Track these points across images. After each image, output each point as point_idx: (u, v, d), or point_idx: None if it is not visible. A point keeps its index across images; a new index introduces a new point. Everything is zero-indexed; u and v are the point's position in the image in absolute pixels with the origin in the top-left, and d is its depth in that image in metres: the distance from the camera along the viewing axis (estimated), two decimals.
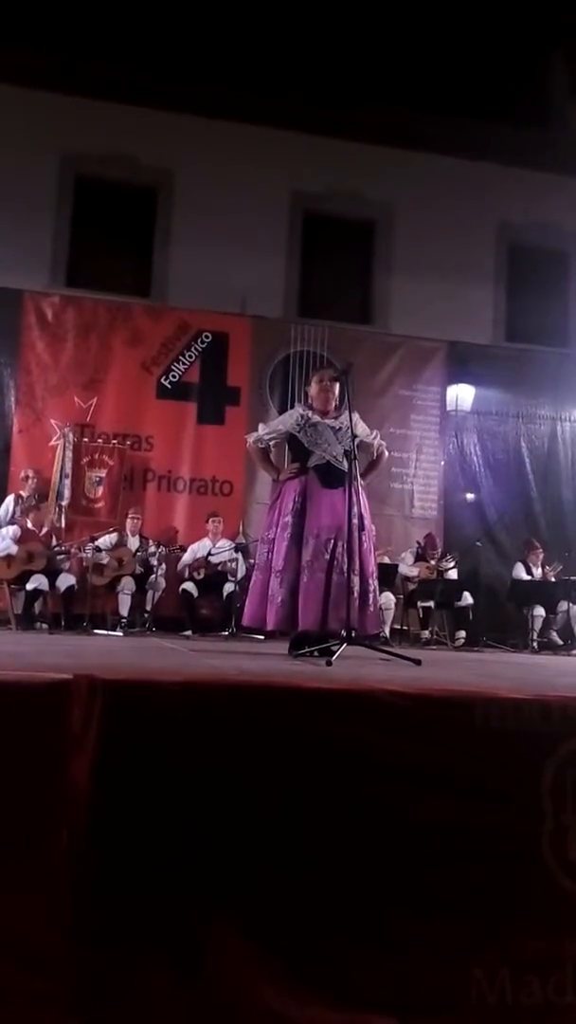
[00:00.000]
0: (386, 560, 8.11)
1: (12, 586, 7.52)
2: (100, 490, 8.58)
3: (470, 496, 9.76)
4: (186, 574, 8.14)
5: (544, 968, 1.75)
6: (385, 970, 1.69)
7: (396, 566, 8.34)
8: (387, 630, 7.80)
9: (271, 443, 4.47)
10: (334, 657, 3.38)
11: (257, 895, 1.67)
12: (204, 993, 1.60)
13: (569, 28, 10.88)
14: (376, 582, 4.26)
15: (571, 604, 8.70)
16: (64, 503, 8.38)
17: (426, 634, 8.13)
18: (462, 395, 9.77)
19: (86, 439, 8.61)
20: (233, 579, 7.79)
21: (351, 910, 1.71)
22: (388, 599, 8.04)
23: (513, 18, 10.71)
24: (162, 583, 8.02)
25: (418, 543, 8.75)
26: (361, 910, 1.72)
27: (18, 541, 7.53)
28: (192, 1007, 1.59)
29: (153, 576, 7.89)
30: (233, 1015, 1.60)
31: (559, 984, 1.75)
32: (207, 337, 9.12)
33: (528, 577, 8.78)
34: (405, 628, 8.39)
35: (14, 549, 7.47)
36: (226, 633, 7.36)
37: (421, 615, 8.34)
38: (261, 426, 4.61)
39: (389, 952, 1.70)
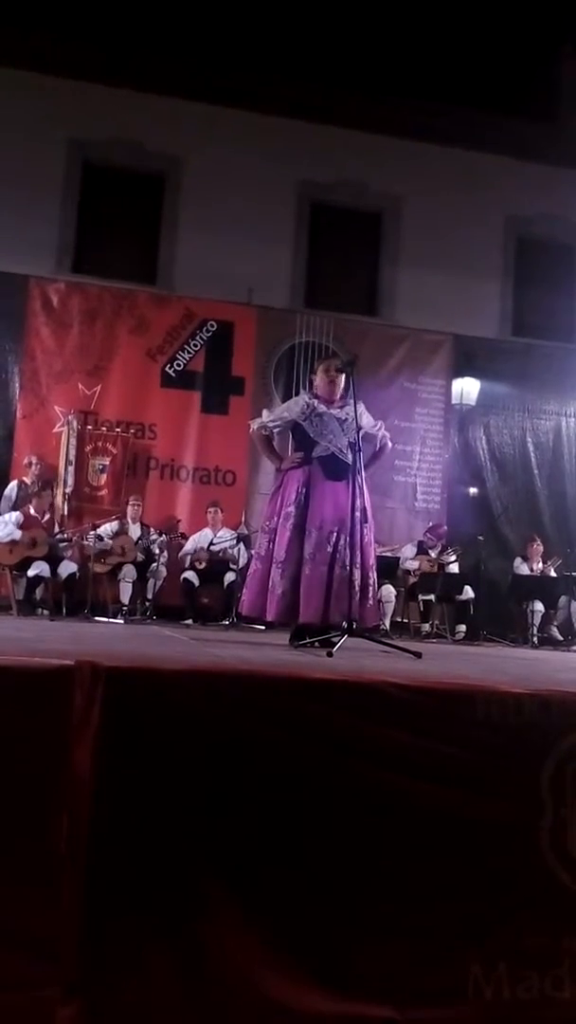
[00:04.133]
0: (387, 554, 8.11)
1: (14, 572, 7.52)
2: (103, 478, 8.58)
3: (473, 490, 9.75)
4: (187, 563, 8.15)
5: (542, 963, 1.75)
6: (383, 961, 1.69)
7: (397, 559, 8.33)
8: (387, 623, 7.80)
9: (275, 430, 4.44)
10: (335, 648, 3.38)
11: (257, 884, 1.67)
12: (203, 980, 1.60)
13: None
14: (375, 574, 4.26)
15: (572, 600, 8.70)
16: (68, 490, 8.38)
17: (426, 627, 8.14)
18: (467, 389, 9.74)
19: (90, 426, 8.60)
20: (234, 568, 7.79)
21: (350, 900, 1.72)
22: (389, 592, 8.04)
23: (523, 9, 10.64)
24: (163, 571, 8.03)
25: (426, 533, 8.74)
26: (360, 900, 1.72)
27: (20, 527, 7.53)
28: (191, 993, 1.59)
29: (154, 564, 7.90)
30: (231, 1002, 1.60)
31: (556, 979, 1.75)
32: (212, 326, 9.10)
33: (528, 572, 8.78)
34: (405, 621, 8.39)
35: (17, 535, 7.47)
36: (227, 623, 7.38)
37: (422, 608, 8.34)
38: (265, 412, 4.58)
39: (388, 943, 1.71)
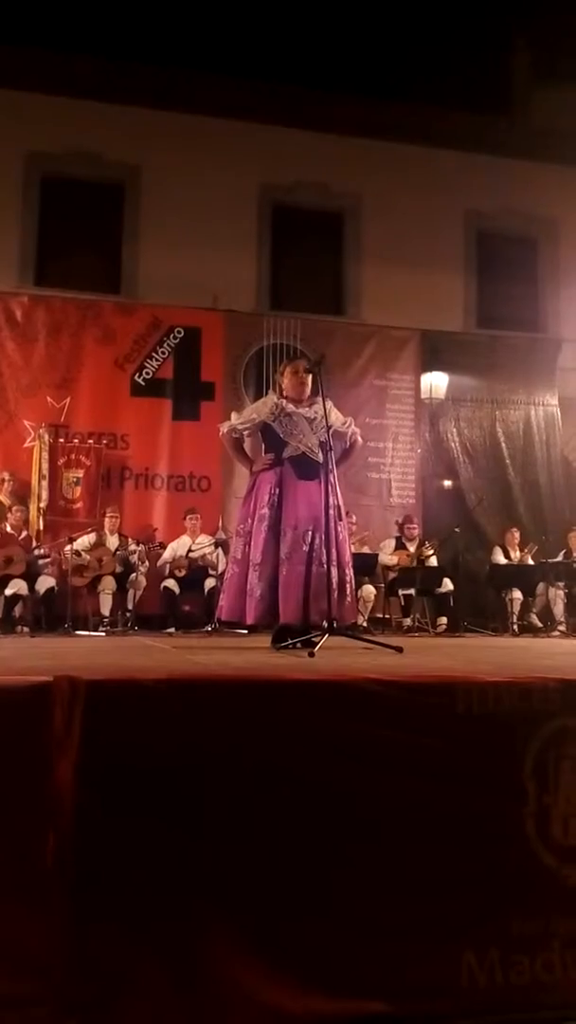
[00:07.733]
0: (365, 549, 8.15)
1: None
2: (78, 490, 8.53)
3: (447, 483, 9.81)
4: (167, 571, 8.12)
5: (533, 947, 1.77)
6: (377, 957, 1.70)
7: (376, 555, 8.37)
8: (364, 617, 7.82)
9: (245, 432, 4.43)
10: (316, 648, 3.38)
11: (247, 889, 1.67)
12: (198, 991, 1.60)
13: (531, 14, 10.91)
14: (352, 571, 4.26)
15: (549, 586, 8.78)
16: (43, 505, 8.32)
17: (408, 621, 8.17)
18: (436, 383, 9.80)
19: (61, 439, 8.55)
20: (214, 574, 7.78)
21: (341, 899, 1.72)
22: (369, 590, 8.08)
23: (476, 5, 10.73)
24: (143, 581, 8.00)
25: (397, 523, 8.80)
26: (351, 898, 1.73)
27: None
28: (186, 1006, 1.59)
29: (134, 575, 7.87)
30: (228, 1012, 1.60)
31: (547, 962, 1.77)
32: (179, 332, 9.09)
33: (506, 561, 8.85)
34: (387, 616, 8.42)
35: None
36: (209, 629, 7.36)
37: (402, 603, 8.38)
38: (234, 415, 4.57)
39: (380, 939, 1.72)
